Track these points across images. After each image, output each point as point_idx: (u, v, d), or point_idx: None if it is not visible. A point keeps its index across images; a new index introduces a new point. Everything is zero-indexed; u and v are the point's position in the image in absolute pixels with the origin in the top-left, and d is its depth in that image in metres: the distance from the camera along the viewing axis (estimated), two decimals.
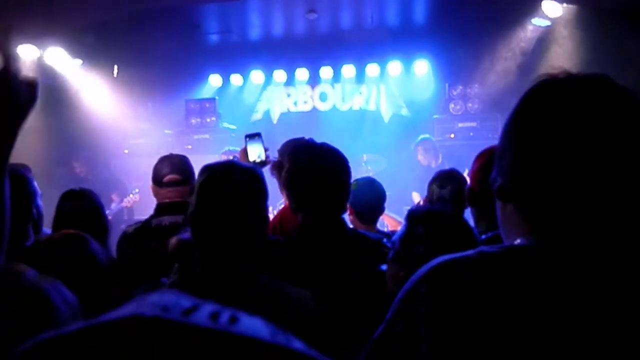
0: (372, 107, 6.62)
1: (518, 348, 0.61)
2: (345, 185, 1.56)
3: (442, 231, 1.17)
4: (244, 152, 2.00)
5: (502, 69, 5.30)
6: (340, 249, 1.49)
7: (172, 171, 2.10)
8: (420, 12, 5.55)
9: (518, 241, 0.71)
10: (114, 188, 5.47)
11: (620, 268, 0.66)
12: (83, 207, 2.00)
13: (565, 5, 4.72)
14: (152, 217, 2.09)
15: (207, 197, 1.15)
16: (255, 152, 1.93)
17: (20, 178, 1.73)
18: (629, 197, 0.67)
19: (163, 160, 2.14)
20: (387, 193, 6.00)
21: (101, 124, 5.97)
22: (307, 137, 2.05)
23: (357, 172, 5.56)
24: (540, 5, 4.77)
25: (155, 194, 2.13)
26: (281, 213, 2.06)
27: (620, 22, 4.43)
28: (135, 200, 5.11)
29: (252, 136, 1.95)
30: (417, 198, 5.33)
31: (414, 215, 1.23)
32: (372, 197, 2.21)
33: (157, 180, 2.11)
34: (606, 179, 0.66)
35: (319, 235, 1.50)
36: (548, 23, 4.96)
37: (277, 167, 1.97)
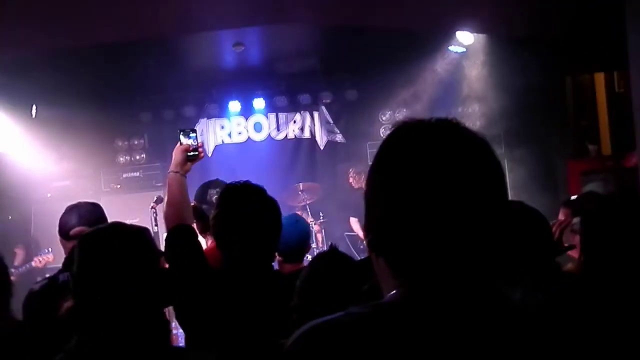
0: (306, 134, 6.69)
1: None
2: (271, 228, 1.61)
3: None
4: (182, 148, 1.90)
5: (424, 93, 5.59)
6: (260, 287, 1.52)
7: (79, 222, 1.98)
8: (346, 42, 5.72)
9: (387, 297, 0.69)
10: (17, 240, 5.03)
11: (488, 314, 0.66)
12: None
13: (476, 34, 5.09)
14: (59, 272, 1.94)
15: (87, 268, 1.12)
16: (193, 147, 1.87)
17: None
18: (488, 236, 0.67)
19: (70, 210, 2.02)
20: (324, 219, 5.99)
21: (19, 168, 5.59)
22: (219, 178, 2.08)
23: (294, 201, 5.59)
24: (455, 35, 5.12)
25: (64, 247, 2.00)
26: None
27: (525, 50, 4.83)
28: (48, 260, 4.51)
29: (187, 132, 1.91)
30: (355, 224, 5.39)
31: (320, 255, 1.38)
32: (296, 236, 2.19)
33: (64, 232, 1.99)
34: (462, 223, 0.66)
35: (241, 273, 1.54)
36: (463, 50, 5.31)
37: (195, 212, 1.94)
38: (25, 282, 3.96)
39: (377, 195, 0.70)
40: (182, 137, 1.89)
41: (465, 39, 5.18)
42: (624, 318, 1.27)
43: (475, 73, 5.33)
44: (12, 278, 4.75)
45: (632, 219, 1.47)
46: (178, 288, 1.57)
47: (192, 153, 1.85)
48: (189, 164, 1.83)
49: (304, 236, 2.25)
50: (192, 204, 2.07)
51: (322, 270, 1.30)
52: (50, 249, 4.44)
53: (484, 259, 0.67)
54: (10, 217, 5.61)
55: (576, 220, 1.72)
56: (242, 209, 1.58)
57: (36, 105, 5.76)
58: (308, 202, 5.55)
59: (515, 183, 4.71)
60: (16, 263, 4.84)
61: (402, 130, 0.72)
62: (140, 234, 1.18)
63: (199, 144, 1.90)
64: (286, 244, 2.12)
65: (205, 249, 2.01)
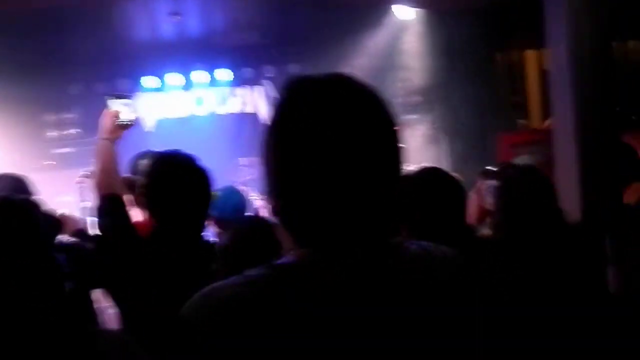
0: (249, 109, 6.60)
1: None
2: (199, 196, 1.60)
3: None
4: (111, 111, 1.79)
5: (363, 66, 5.66)
6: (187, 255, 1.53)
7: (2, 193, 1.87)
8: (288, 16, 5.65)
9: (283, 259, 0.68)
10: None
11: (387, 264, 0.66)
12: None
13: (413, 8, 5.20)
14: None
15: None
16: (126, 113, 1.78)
17: None
18: (380, 194, 0.66)
19: None
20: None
21: None
22: (152, 149, 2.02)
23: (236, 176, 5.54)
24: (391, 9, 5.22)
25: None
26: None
27: (459, 24, 4.99)
28: None
29: (120, 96, 1.82)
30: None
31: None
32: (231, 206, 2.20)
33: None
34: (354, 182, 0.64)
35: (169, 243, 1.54)
36: (401, 22, 5.44)
37: (129, 184, 1.89)
38: None
39: (269, 159, 0.68)
40: (110, 102, 1.80)
41: (401, 12, 5.30)
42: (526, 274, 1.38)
43: (412, 46, 5.48)
44: None
45: (542, 184, 1.58)
46: (108, 259, 1.55)
47: (123, 119, 1.77)
48: (119, 130, 1.76)
49: (239, 206, 2.26)
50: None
51: (239, 235, 1.32)
52: None
53: (378, 218, 0.66)
54: None
55: (492, 183, 1.80)
56: (170, 177, 1.56)
57: None
58: (251, 177, 5.52)
59: (451, 155, 4.90)
60: None
61: (290, 89, 0.69)
62: (28, 203, 1.13)
63: (132, 109, 1.81)
64: (221, 214, 2.13)
65: (141, 222, 1.99)
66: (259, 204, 5.29)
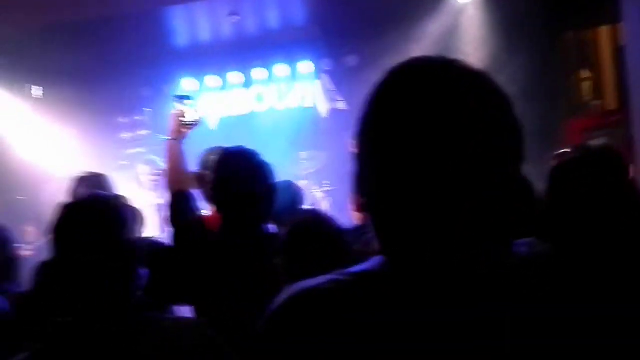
0: (309, 104, 6.66)
1: None
2: (264, 189, 1.65)
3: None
4: (177, 112, 1.90)
5: (425, 52, 5.52)
6: (253, 249, 1.58)
7: (88, 192, 2.03)
8: (343, 6, 5.63)
9: (370, 263, 0.63)
10: (27, 219, 5.19)
11: (485, 278, 0.58)
12: None
13: None
14: None
15: (61, 239, 1.14)
16: (190, 113, 1.89)
17: None
18: (492, 199, 0.56)
19: (79, 180, 2.07)
20: (329, 188, 6.03)
21: (27, 150, 5.68)
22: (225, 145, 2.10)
23: (296, 169, 5.62)
24: None
25: None
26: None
27: (525, 4, 4.73)
28: None
29: (183, 97, 1.92)
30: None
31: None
32: (287, 200, 2.25)
33: None
34: (465, 174, 0.55)
35: (236, 238, 1.61)
36: (463, 4, 5.22)
37: (199, 179, 1.99)
38: (40, 256, 4.12)
39: (364, 151, 0.61)
40: (176, 104, 1.89)
41: None
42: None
43: (475, 30, 5.25)
44: (28, 253, 4.93)
45: (604, 169, 1.34)
46: (179, 254, 1.63)
47: (188, 119, 1.86)
48: (184, 130, 1.85)
49: (296, 200, 2.30)
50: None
51: (301, 229, 1.35)
52: None
53: (484, 225, 0.56)
54: (21, 198, 5.73)
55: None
56: (236, 172, 1.62)
57: (34, 86, 5.78)
58: (311, 170, 5.59)
59: None
60: (30, 240, 5.00)
61: (390, 77, 0.61)
62: (115, 203, 1.21)
63: (195, 109, 1.90)
64: (278, 208, 2.19)
65: (210, 216, 2.08)
66: (319, 197, 5.36)
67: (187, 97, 1.94)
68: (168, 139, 1.85)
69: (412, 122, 0.56)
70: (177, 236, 1.71)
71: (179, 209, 1.71)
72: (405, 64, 0.61)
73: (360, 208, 0.62)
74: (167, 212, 1.75)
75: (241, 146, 1.73)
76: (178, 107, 1.88)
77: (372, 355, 0.57)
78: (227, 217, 1.64)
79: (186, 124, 1.86)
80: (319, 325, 0.60)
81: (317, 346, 0.59)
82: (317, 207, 1.56)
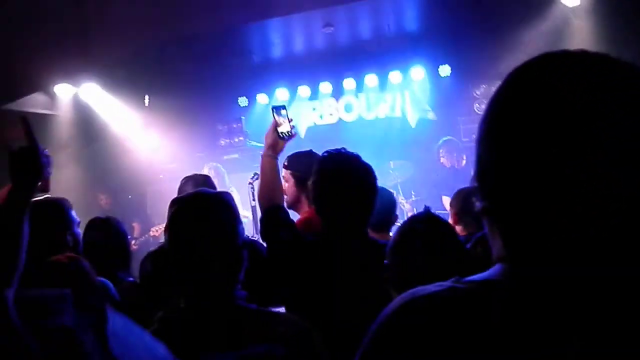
0: (397, 113, 6.61)
1: None
2: (368, 192, 1.61)
3: (437, 231, 1.27)
4: (274, 125, 1.89)
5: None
6: (356, 252, 1.54)
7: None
8: (437, 15, 5.54)
9: (491, 272, 0.60)
10: (134, 216, 5.69)
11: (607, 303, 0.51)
12: (108, 234, 2.09)
13: None
14: None
15: (176, 231, 1.19)
16: (285, 125, 1.86)
17: (58, 208, 1.86)
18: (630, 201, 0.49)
19: (187, 180, 2.22)
20: (416, 198, 5.89)
21: (136, 152, 6.23)
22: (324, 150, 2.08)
23: (385, 179, 5.57)
24: None
25: None
26: (303, 222, 2.10)
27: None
28: (163, 229, 5.10)
29: (279, 108, 1.88)
30: (447, 203, 5.27)
31: (415, 215, 1.35)
32: (382, 204, 2.22)
33: None
34: (605, 188, 0.49)
35: (339, 241, 1.57)
36: (571, 7, 4.78)
37: (299, 181, 1.98)
38: (144, 250, 4.53)
39: (488, 151, 0.57)
40: (275, 115, 1.85)
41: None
42: None
43: (586, 33, 4.79)
44: (134, 247, 5.42)
45: None
46: (276, 266, 1.65)
47: (283, 131, 1.83)
48: (281, 143, 1.84)
49: (389, 205, 2.26)
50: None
51: (414, 230, 1.28)
52: (165, 220, 4.98)
53: (622, 239, 0.50)
54: (129, 197, 6.29)
55: None
56: (340, 174, 1.59)
57: (149, 95, 6.32)
58: (399, 180, 5.53)
59: None
60: (135, 235, 5.50)
61: (517, 74, 0.56)
62: (223, 196, 1.25)
63: (290, 120, 1.87)
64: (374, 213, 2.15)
65: (298, 220, 2.11)
66: (407, 207, 5.28)
67: (284, 107, 1.91)
68: (265, 155, 1.83)
69: (547, 123, 0.51)
70: (271, 251, 1.70)
71: (272, 223, 1.69)
72: (541, 59, 0.56)
73: (482, 212, 0.56)
74: (260, 227, 1.74)
75: (343, 148, 1.68)
76: (276, 118, 1.85)
77: None
78: (330, 219, 1.61)
79: (282, 136, 1.83)
80: (436, 335, 0.56)
81: (432, 357, 0.56)
82: (428, 207, 1.46)
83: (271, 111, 1.90)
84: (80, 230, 2.02)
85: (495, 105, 0.57)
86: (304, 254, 1.61)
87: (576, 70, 0.52)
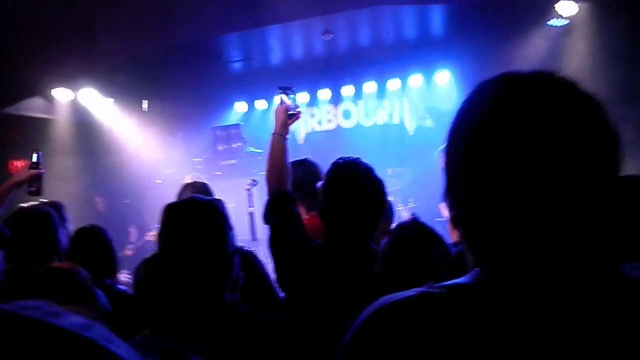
0: (395, 120, 6.63)
1: None
2: (376, 205, 1.58)
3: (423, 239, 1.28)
4: (283, 107, 1.84)
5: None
6: (355, 262, 1.53)
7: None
8: (436, 23, 5.57)
9: (464, 277, 0.61)
10: (131, 221, 5.68)
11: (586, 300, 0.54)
12: (93, 243, 2.09)
13: (580, 3, 4.64)
14: None
15: (167, 236, 1.20)
16: (292, 104, 1.83)
17: (44, 214, 1.86)
18: (593, 214, 0.55)
19: (186, 187, 2.22)
20: (414, 205, 5.88)
21: (134, 157, 6.22)
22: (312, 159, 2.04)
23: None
24: (554, 6, 4.71)
25: None
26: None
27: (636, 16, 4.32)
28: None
29: (286, 88, 1.85)
30: (445, 210, 5.26)
31: (403, 223, 1.36)
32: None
33: None
34: (562, 197, 0.54)
35: (340, 247, 1.55)
36: (565, 22, 4.85)
37: (295, 188, 1.97)
38: (140, 255, 4.52)
39: (454, 163, 0.61)
40: (283, 96, 1.81)
41: (567, 9, 4.73)
42: None
43: (581, 47, 4.83)
44: (129, 252, 5.40)
45: None
46: (278, 250, 1.62)
47: (291, 112, 1.80)
48: (289, 123, 1.79)
49: (387, 214, 2.26)
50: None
51: (401, 239, 1.29)
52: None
53: (585, 242, 0.55)
54: (127, 202, 6.27)
55: None
56: (350, 184, 1.56)
57: (147, 100, 6.33)
58: (397, 187, 5.53)
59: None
60: (132, 239, 5.49)
61: (485, 88, 0.60)
62: (215, 203, 1.26)
63: (297, 102, 1.84)
64: None
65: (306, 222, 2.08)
66: (404, 215, 5.28)
67: (290, 88, 1.87)
68: (274, 134, 1.77)
69: (508, 135, 0.55)
70: (273, 233, 1.65)
71: (279, 208, 1.64)
72: (499, 77, 0.60)
73: (451, 221, 0.59)
74: (264, 210, 1.68)
75: (357, 158, 1.64)
76: (283, 98, 1.81)
77: None
78: (335, 225, 1.58)
79: (290, 117, 1.79)
80: (406, 339, 0.57)
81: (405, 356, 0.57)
82: (415, 216, 1.44)
83: (278, 91, 1.85)
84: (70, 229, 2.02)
85: (459, 123, 0.61)
86: (310, 253, 1.58)
87: (533, 96, 0.57)
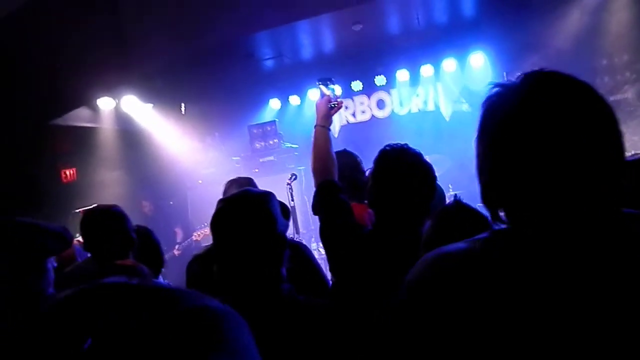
0: (431, 107, 6.54)
1: (517, 333, 0.63)
2: (424, 191, 1.59)
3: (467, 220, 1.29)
4: (325, 98, 1.86)
5: (557, 49, 5.05)
6: (405, 249, 1.54)
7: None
8: (467, 5, 5.44)
9: (491, 232, 0.74)
10: (176, 222, 5.85)
11: (604, 242, 0.67)
12: (141, 244, 2.18)
13: None
14: None
15: (220, 227, 1.23)
16: (333, 95, 1.84)
17: (121, 213, 1.99)
18: (599, 185, 0.67)
19: (231, 183, 2.29)
20: (456, 192, 5.83)
21: (175, 159, 6.41)
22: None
23: None
24: None
25: None
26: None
27: None
28: (205, 233, 5.14)
29: (325, 80, 1.87)
30: None
31: (445, 207, 1.37)
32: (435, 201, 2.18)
33: None
34: (569, 167, 0.67)
35: (390, 234, 1.57)
36: None
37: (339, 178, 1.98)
38: (187, 255, 4.67)
39: (482, 154, 0.74)
40: (323, 88, 1.83)
41: None
42: None
43: (622, 18, 4.64)
44: (177, 252, 5.56)
45: None
46: (330, 240, 1.64)
47: (333, 103, 1.81)
48: (331, 114, 1.80)
49: (439, 198, 2.23)
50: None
51: (444, 221, 1.28)
52: (206, 224, 5.05)
53: (596, 202, 0.68)
54: (171, 203, 6.48)
55: None
56: (399, 170, 1.56)
57: (185, 103, 6.50)
58: (436, 174, 5.46)
59: None
60: (178, 240, 5.67)
61: (497, 91, 0.74)
62: (267, 194, 1.28)
63: (337, 93, 1.84)
64: None
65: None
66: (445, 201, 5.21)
67: (330, 79, 1.88)
68: (317, 126, 1.79)
69: (534, 128, 0.68)
70: (323, 224, 1.66)
71: (327, 198, 1.65)
72: (522, 76, 0.73)
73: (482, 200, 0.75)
74: (313, 201, 1.70)
75: (405, 144, 1.66)
76: (325, 91, 1.82)
77: (508, 311, 0.64)
78: (385, 214, 1.59)
79: (332, 106, 1.80)
80: (461, 283, 0.66)
81: (457, 304, 0.66)
82: (458, 198, 1.43)
83: (318, 82, 1.87)
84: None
85: (487, 118, 0.74)
86: (359, 242, 1.59)
87: (558, 98, 0.69)
